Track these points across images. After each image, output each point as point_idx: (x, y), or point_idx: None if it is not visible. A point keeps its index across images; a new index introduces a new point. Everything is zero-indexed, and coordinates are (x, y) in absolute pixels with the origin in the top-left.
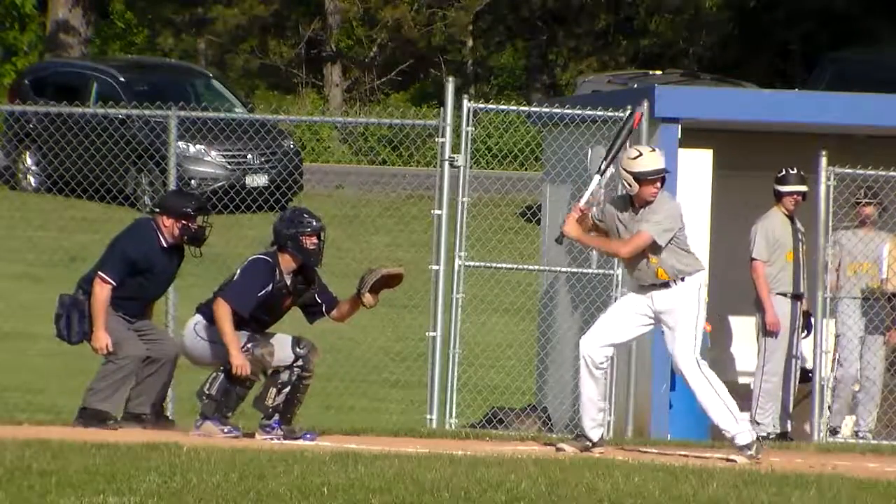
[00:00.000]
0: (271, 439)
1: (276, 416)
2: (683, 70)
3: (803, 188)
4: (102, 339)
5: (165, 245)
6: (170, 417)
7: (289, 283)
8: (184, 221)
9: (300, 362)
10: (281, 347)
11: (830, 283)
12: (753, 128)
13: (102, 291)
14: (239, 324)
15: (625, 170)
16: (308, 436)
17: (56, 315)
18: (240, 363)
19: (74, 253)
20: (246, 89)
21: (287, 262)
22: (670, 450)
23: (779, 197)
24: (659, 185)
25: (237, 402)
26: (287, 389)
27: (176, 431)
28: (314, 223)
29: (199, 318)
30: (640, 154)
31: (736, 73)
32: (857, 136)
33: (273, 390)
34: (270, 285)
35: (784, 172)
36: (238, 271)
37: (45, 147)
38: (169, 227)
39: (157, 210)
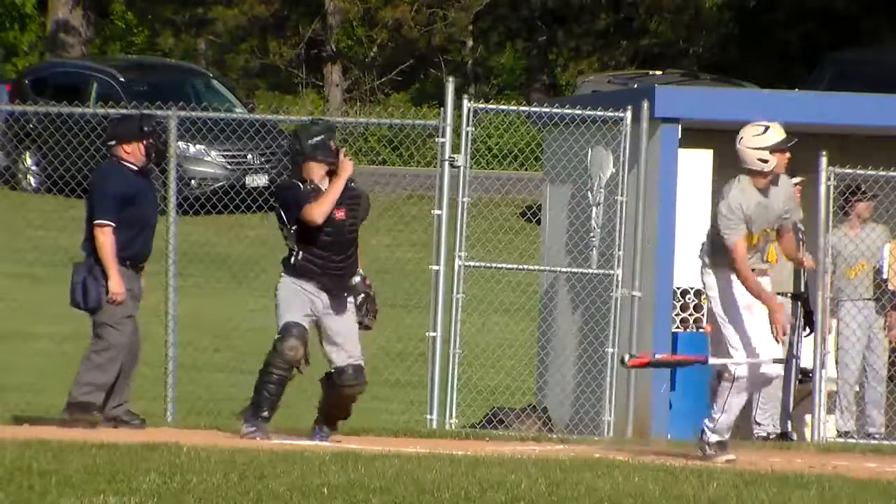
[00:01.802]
0: (321, 440)
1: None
2: (683, 70)
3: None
4: (119, 284)
5: (136, 168)
6: (138, 416)
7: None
8: (146, 140)
9: (340, 379)
10: (333, 349)
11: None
12: None
13: (107, 237)
14: (312, 262)
15: (756, 148)
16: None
17: (71, 284)
18: None
19: (74, 253)
20: (246, 89)
21: (317, 172)
22: (670, 450)
23: None
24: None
25: (270, 400)
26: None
27: (146, 431)
28: (331, 124)
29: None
30: (766, 127)
31: (736, 73)
32: (857, 136)
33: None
34: (301, 188)
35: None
36: (277, 203)
37: (45, 147)
38: (132, 153)
39: (115, 142)
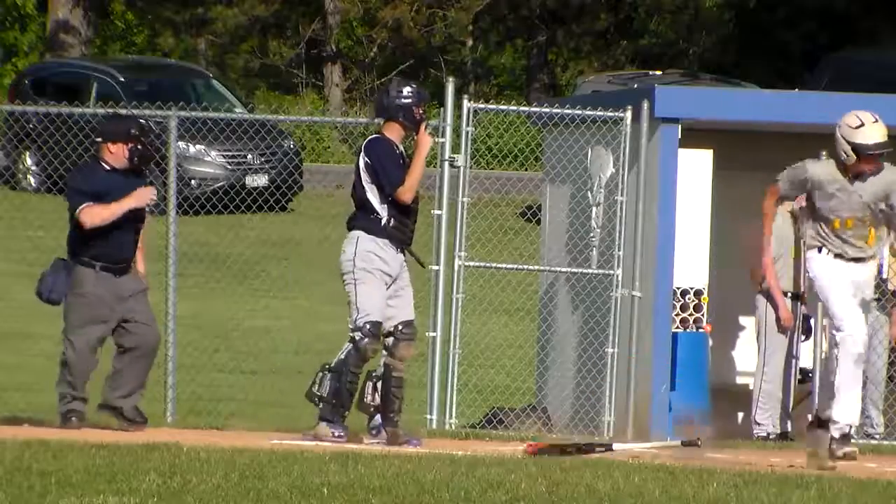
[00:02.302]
0: (376, 443)
1: (379, 417)
2: (683, 70)
3: None
4: (137, 193)
5: (113, 168)
6: (143, 415)
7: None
8: (132, 143)
9: (402, 334)
10: (396, 306)
11: None
12: (753, 128)
13: (92, 211)
14: (400, 229)
15: (843, 137)
16: (413, 442)
17: (41, 274)
18: None
19: None
20: (246, 89)
21: (397, 134)
22: (670, 450)
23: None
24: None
25: (350, 399)
26: (380, 384)
27: (145, 431)
28: (424, 92)
29: (359, 234)
30: (862, 123)
31: (736, 73)
32: None
33: (369, 385)
34: (395, 162)
35: None
36: (371, 162)
37: (45, 147)
38: (116, 153)
39: (100, 140)
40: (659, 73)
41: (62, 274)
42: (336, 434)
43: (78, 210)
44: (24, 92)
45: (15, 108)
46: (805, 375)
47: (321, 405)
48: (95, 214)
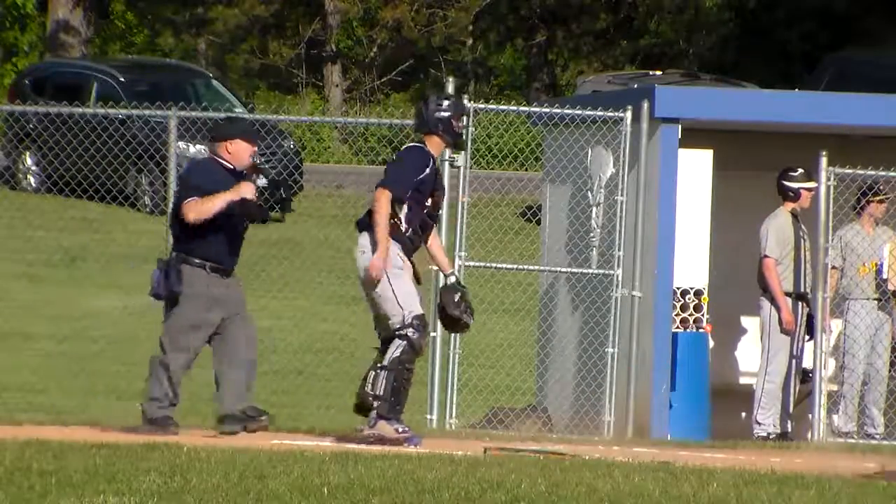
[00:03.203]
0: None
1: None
2: (683, 70)
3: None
4: (238, 188)
5: (230, 168)
6: (259, 409)
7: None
8: (251, 142)
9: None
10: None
11: (832, 281)
12: (753, 128)
13: (195, 206)
14: (413, 240)
15: None
16: (414, 440)
17: (153, 274)
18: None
19: (74, 253)
20: (246, 89)
21: (437, 147)
22: (670, 450)
23: (794, 195)
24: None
25: (406, 396)
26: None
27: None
28: (462, 105)
29: (366, 237)
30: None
31: (736, 73)
32: (856, 136)
33: (371, 374)
34: (427, 169)
35: (800, 171)
36: (393, 159)
37: (45, 147)
38: (235, 154)
39: (223, 138)
40: (659, 73)
41: (170, 271)
42: (400, 430)
43: (184, 203)
44: (24, 92)
45: (15, 108)
46: (806, 375)
47: (377, 404)
48: (197, 209)
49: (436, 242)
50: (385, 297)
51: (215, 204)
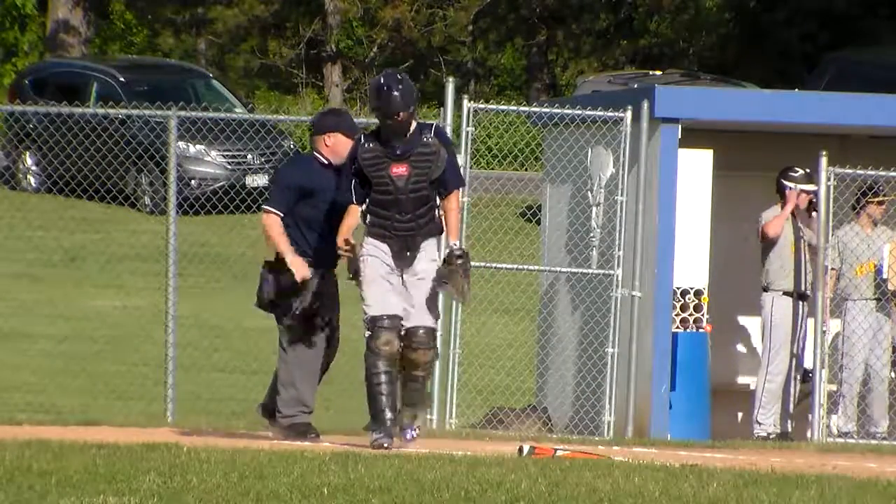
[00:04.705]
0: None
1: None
2: (683, 70)
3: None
4: (299, 264)
5: (326, 164)
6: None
7: (385, 149)
8: (352, 136)
9: (410, 341)
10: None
11: (831, 283)
12: (753, 128)
13: (269, 219)
14: (379, 223)
15: None
16: (410, 432)
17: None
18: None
19: (74, 253)
20: (246, 89)
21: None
22: (670, 450)
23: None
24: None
25: (387, 400)
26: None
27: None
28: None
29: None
30: None
31: (736, 73)
32: (856, 136)
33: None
34: (354, 160)
35: (800, 172)
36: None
37: (45, 147)
38: (333, 148)
39: (322, 130)
40: (659, 73)
41: (267, 278)
42: (375, 437)
43: (266, 209)
44: (24, 92)
45: (15, 108)
46: (807, 375)
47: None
48: (272, 233)
49: (449, 204)
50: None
51: (280, 247)
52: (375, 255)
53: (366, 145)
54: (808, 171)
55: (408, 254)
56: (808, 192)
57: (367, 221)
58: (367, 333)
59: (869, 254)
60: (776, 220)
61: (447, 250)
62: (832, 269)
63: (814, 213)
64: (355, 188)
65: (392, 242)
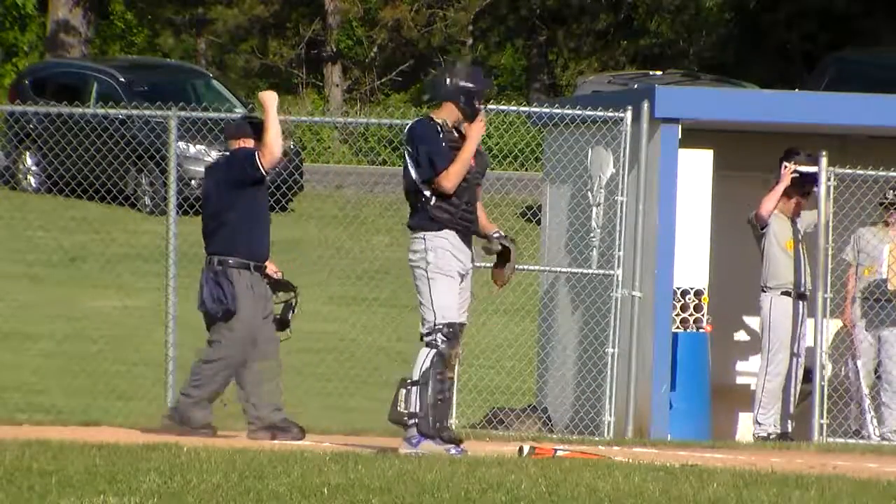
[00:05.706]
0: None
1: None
2: (683, 70)
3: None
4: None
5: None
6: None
7: (459, 136)
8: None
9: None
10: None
11: (851, 280)
12: (753, 128)
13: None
14: (445, 222)
15: None
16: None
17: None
18: None
19: (74, 253)
20: (246, 89)
21: (453, 117)
22: (670, 450)
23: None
24: None
25: (447, 409)
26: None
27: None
28: (490, 82)
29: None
30: None
31: (736, 73)
32: (856, 136)
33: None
34: (440, 136)
35: (801, 154)
36: (414, 149)
37: (45, 147)
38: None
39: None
40: (659, 73)
41: (222, 281)
42: (453, 451)
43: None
44: (24, 92)
45: (15, 108)
46: (808, 375)
47: (413, 422)
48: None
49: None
50: (422, 298)
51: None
52: (449, 251)
53: (439, 127)
54: (810, 153)
55: (471, 249)
56: (802, 174)
57: (428, 212)
58: (441, 339)
59: (875, 255)
60: (768, 196)
61: (502, 235)
62: (849, 265)
63: (805, 206)
64: (447, 155)
65: (462, 234)
